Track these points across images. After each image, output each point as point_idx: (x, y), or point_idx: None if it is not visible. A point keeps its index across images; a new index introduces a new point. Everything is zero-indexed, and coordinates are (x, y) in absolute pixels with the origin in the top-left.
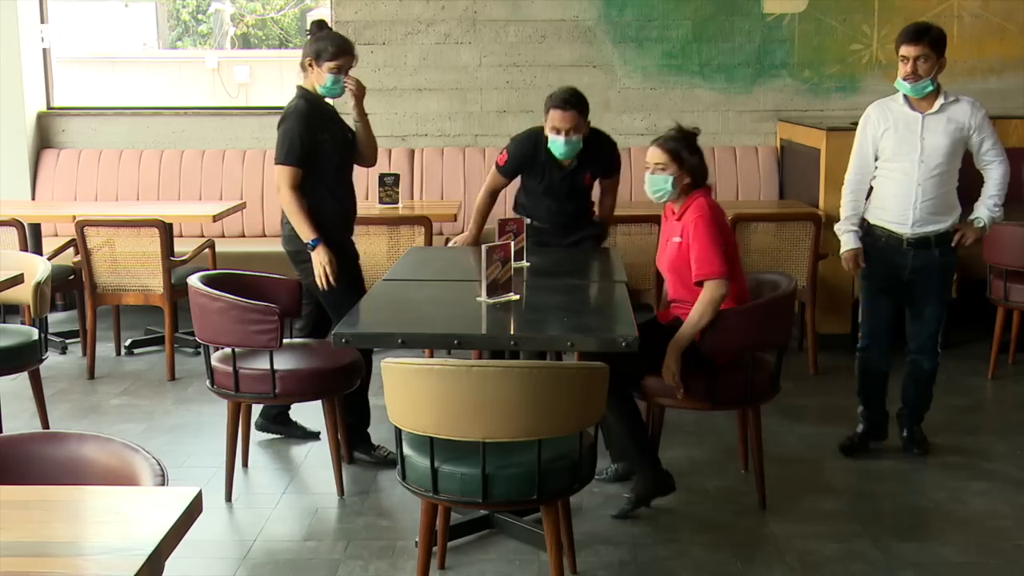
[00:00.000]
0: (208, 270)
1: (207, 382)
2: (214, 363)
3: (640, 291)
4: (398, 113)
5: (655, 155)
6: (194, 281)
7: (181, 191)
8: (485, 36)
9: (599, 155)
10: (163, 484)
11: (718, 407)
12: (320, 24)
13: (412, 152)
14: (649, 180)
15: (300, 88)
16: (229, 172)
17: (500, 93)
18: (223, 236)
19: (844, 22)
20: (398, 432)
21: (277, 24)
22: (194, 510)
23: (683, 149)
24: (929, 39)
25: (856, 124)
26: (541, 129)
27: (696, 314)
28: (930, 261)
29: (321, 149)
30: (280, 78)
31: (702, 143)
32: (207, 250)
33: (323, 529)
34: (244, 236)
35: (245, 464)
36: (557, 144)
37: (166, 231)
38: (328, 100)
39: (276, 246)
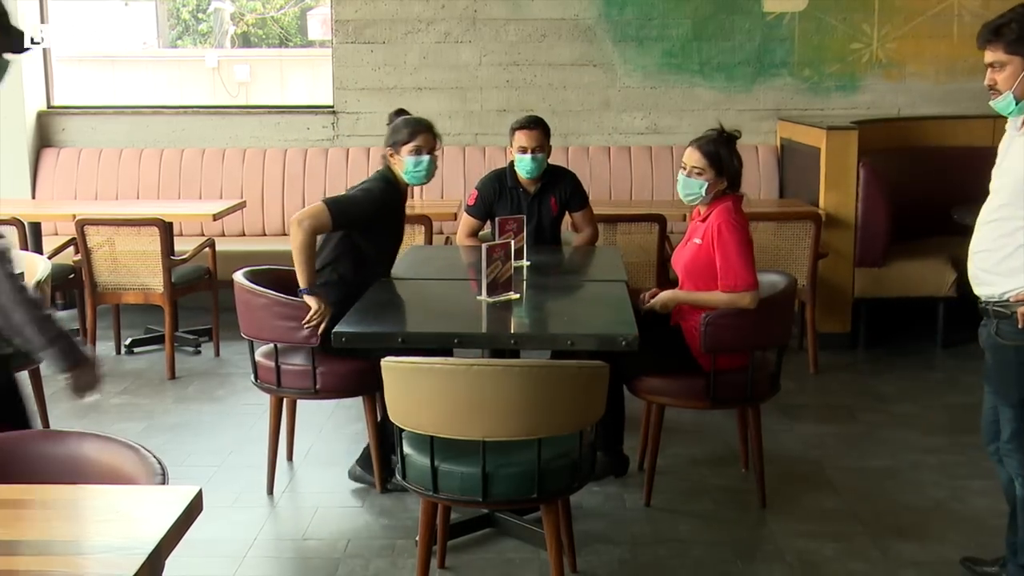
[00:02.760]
0: (255, 266)
1: (251, 377)
2: (258, 358)
3: (640, 290)
4: None
5: (693, 158)
6: (239, 277)
7: (181, 190)
8: (485, 35)
9: (560, 180)
10: (163, 483)
11: (718, 406)
12: (398, 112)
13: None
14: (683, 183)
15: (386, 169)
16: (229, 171)
17: (500, 92)
18: (223, 235)
19: (844, 21)
20: (398, 431)
21: (277, 23)
22: (194, 509)
23: (724, 153)
24: (1005, 39)
25: (856, 123)
26: (504, 168)
27: (711, 297)
28: (989, 338)
29: (370, 232)
30: (280, 77)
31: None
32: (207, 249)
33: (323, 528)
34: (244, 235)
35: (290, 458)
36: (524, 161)
37: (166, 230)
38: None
39: (276, 245)
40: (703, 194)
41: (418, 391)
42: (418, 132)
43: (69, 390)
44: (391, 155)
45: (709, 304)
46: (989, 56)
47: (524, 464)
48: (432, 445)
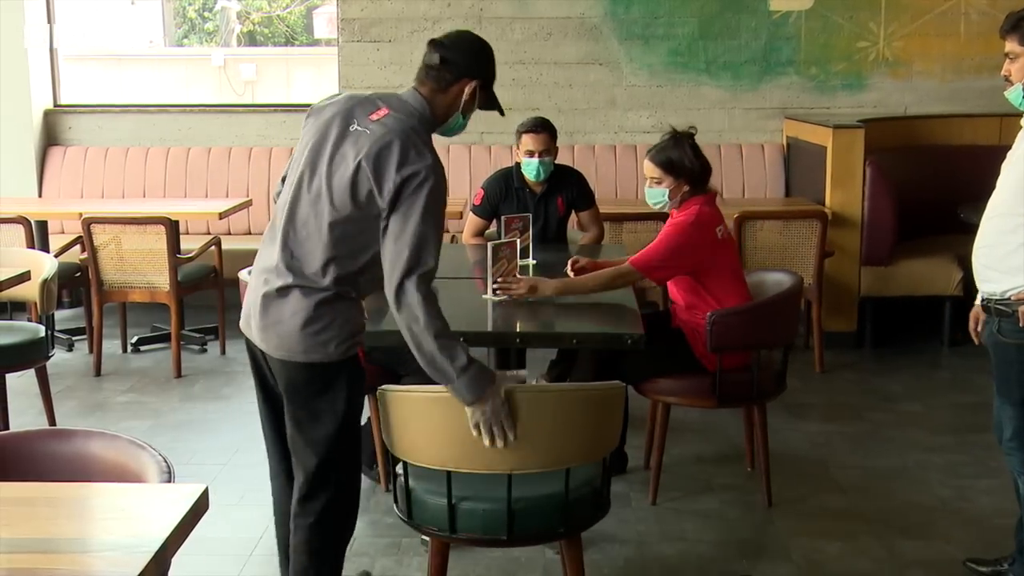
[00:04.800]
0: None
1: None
2: None
3: (645, 289)
4: None
5: (648, 168)
6: (245, 275)
7: (187, 188)
8: (491, 34)
9: (567, 180)
10: (169, 481)
11: (724, 405)
12: None
13: None
14: (647, 192)
15: None
16: (235, 169)
17: (506, 91)
18: (229, 234)
19: (850, 19)
20: (404, 466)
21: (283, 21)
22: (200, 507)
23: (676, 158)
24: (1020, 31)
25: (862, 122)
26: (510, 168)
27: (597, 280)
28: (990, 336)
29: None
30: (286, 75)
31: (708, 141)
32: (213, 247)
33: None
34: (250, 233)
35: None
36: (531, 165)
37: (172, 228)
38: None
39: None
40: (667, 200)
41: (436, 423)
42: None
43: (473, 427)
44: None
45: (587, 288)
46: (1007, 46)
47: (548, 497)
48: (449, 481)
